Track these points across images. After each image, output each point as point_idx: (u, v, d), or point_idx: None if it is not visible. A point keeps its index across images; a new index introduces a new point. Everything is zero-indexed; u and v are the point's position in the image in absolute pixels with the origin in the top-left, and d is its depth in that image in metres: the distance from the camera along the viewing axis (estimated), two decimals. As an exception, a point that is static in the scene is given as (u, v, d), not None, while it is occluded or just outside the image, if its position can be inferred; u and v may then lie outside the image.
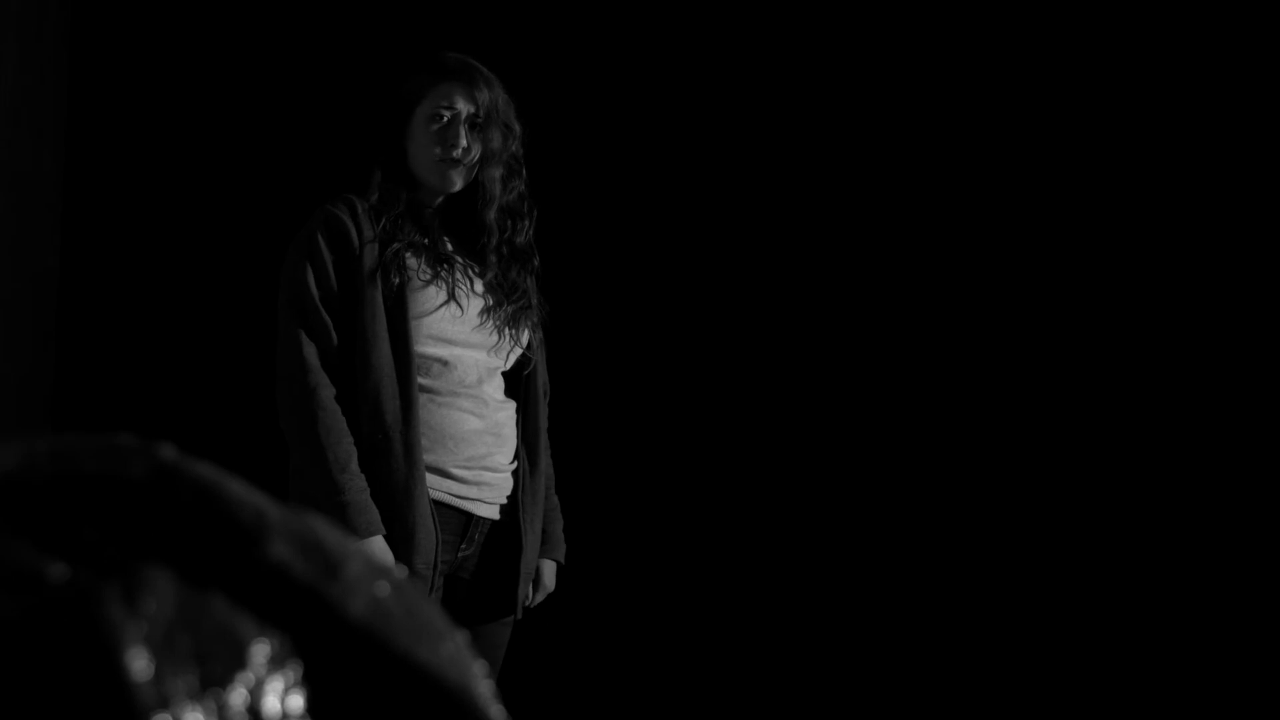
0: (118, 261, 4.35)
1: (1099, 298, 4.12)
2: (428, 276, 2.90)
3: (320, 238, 2.86)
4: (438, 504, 2.86)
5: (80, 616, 0.44)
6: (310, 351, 2.81)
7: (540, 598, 3.11)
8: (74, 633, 0.44)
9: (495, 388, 2.98)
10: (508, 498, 2.98)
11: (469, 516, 2.92)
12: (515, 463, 3.00)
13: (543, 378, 3.09)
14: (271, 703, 0.47)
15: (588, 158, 4.26)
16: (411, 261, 2.89)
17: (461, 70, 2.94)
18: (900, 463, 4.18)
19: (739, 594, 4.21)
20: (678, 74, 4.29)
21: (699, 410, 4.25)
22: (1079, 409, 4.11)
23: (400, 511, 2.81)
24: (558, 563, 3.14)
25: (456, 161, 2.92)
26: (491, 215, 2.96)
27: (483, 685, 0.52)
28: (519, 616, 3.03)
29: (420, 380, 2.87)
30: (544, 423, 3.08)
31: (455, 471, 2.89)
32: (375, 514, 2.77)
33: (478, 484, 2.92)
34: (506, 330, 2.96)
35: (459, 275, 2.93)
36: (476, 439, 2.91)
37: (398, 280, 2.86)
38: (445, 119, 2.92)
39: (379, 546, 2.75)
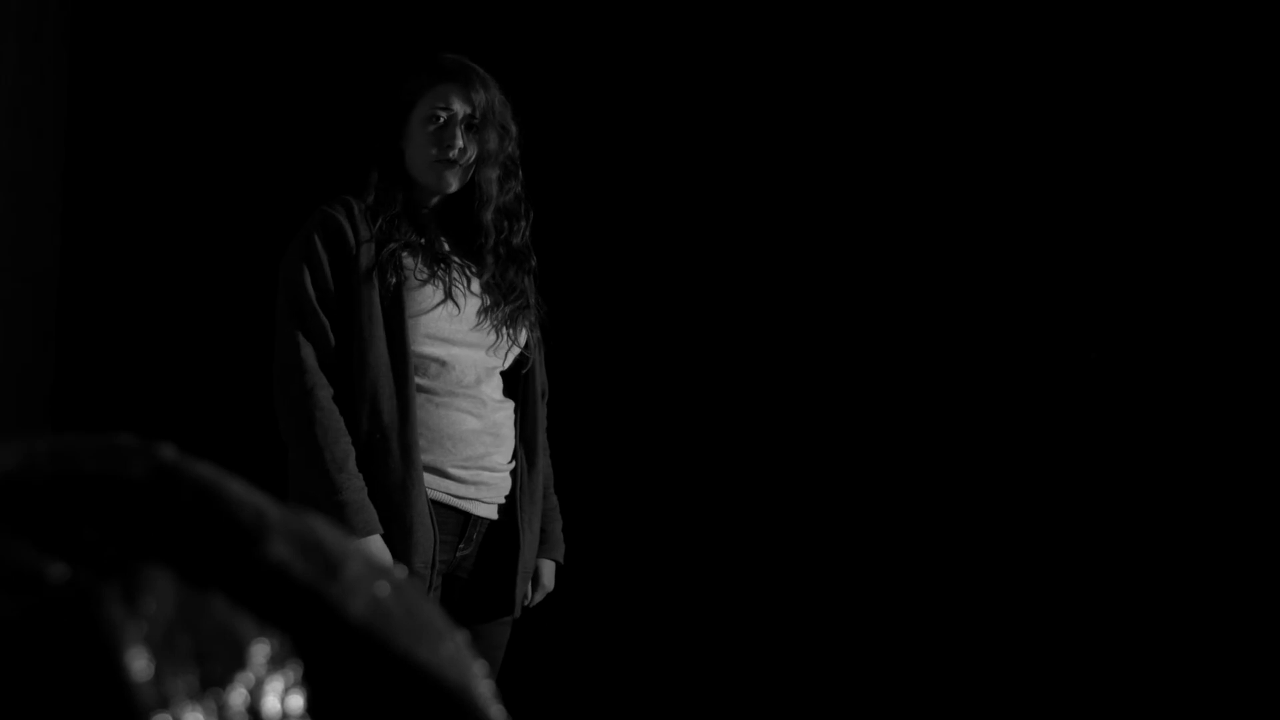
0: (117, 261, 4.35)
1: (1099, 298, 4.12)
2: (424, 276, 2.91)
3: (317, 239, 2.87)
4: (436, 504, 2.87)
5: (80, 616, 0.44)
6: (308, 352, 2.82)
7: (539, 597, 3.11)
8: (74, 633, 0.44)
9: (494, 388, 2.98)
10: (506, 497, 2.99)
11: (467, 516, 2.93)
12: (513, 462, 3.00)
13: (541, 377, 3.09)
14: (271, 703, 0.47)
15: (585, 158, 4.26)
16: (408, 261, 2.90)
17: (458, 71, 2.95)
18: (900, 462, 4.18)
19: (739, 594, 4.21)
20: (674, 74, 4.29)
21: (698, 410, 4.25)
22: (1079, 409, 4.11)
23: (398, 511, 2.81)
24: (557, 562, 3.15)
25: (453, 162, 2.92)
26: (488, 216, 2.96)
27: (483, 685, 0.52)
28: (517, 615, 3.03)
29: (418, 380, 2.87)
30: (542, 422, 3.08)
31: (453, 471, 2.89)
32: (373, 513, 2.78)
33: (476, 484, 2.93)
34: (504, 330, 2.96)
35: (456, 275, 2.94)
36: (475, 439, 2.92)
37: (394, 280, 2.86)
38: (442, 120, 2.92)
39: (376, 546, 2.76)
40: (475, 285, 2.96)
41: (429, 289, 2.90)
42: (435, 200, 2.98)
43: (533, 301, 3.04)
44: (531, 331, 3.04)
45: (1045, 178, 4.15)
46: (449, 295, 2.90)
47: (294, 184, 3.88)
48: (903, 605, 4.16)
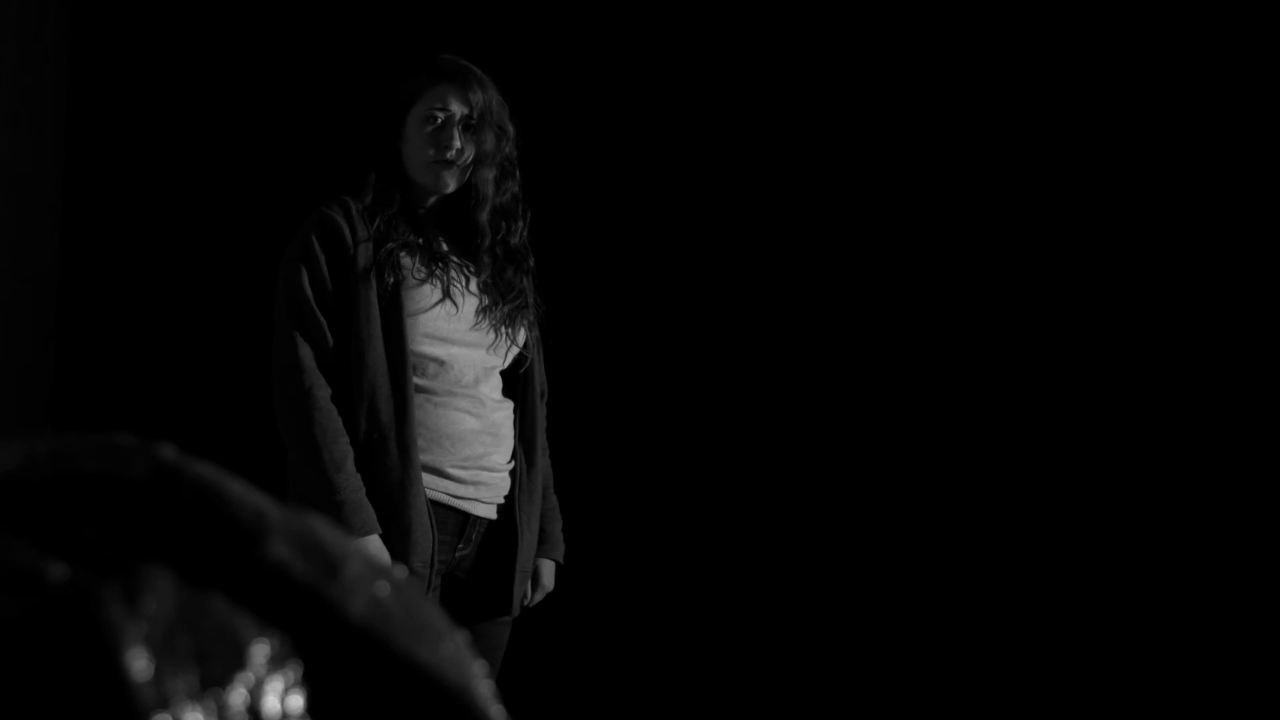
0: (117, 261, 4.35)
1: (1099, 298, 4.12)
2: (422, 275, 2.91)
3: (314, 239, 2.87)
4: (435, 504, 2.87)
5: (80, 616, 0.44)
6: (306, 352, 2.83)
7: (539, 597, 3.11)
8: (74, 633, 0.44)
9: (493, 387, 2.98)
10: (505, 497, 2.99)
11: (466, 516, 2.93)
12: (512, 462, 3.01)
13: (540, 377, 3.10)
14: (271, 703, 0.47)
15: (583, 159, 4.26)
16: (406, 261, 2.90)
17: (456, 72, 2.95)
18: (899, 462, 4.18)
19: (739, 594, 4.21)
20: (672, 75, 4.29)
21: (697, 409, 4.25)
22: (1079, 409, 4.11)
23: (396, 510, 2.81)
24: (556, 562, 3.15)
25: (450, 163, 2.92)
26: (484, 216, 2.96)
27: (483, 685, 0.52)
28: (515, 614, 3.03)
29: (417, 380, 2.87)
30: (541, 422, 3.08)
31: (452, 471, 2.90)
32: (371, 513, 2.78)
33: (475, 484, 2.93)
34: (503, 329, 2.97)
35: (454, 274, 2.94)
36: (473, 439, 2.92)
37: (392, 279, 2.87)
38: (439, 120, 2.92)
39: (375, 546, 2.76)
40: (473, 285, 2.97)
41: (427, 288, 2.90)
42: (433, 200, 2.99)
43: (531, 301, 3.04)
44: (530, 331, 3.04)
45: (1045, 178, 4.15)
46: (447, 294, 2.90)
47: (293, 184, 3.88)
48: (903, 605, 4.16)
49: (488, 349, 2.96)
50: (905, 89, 4.22)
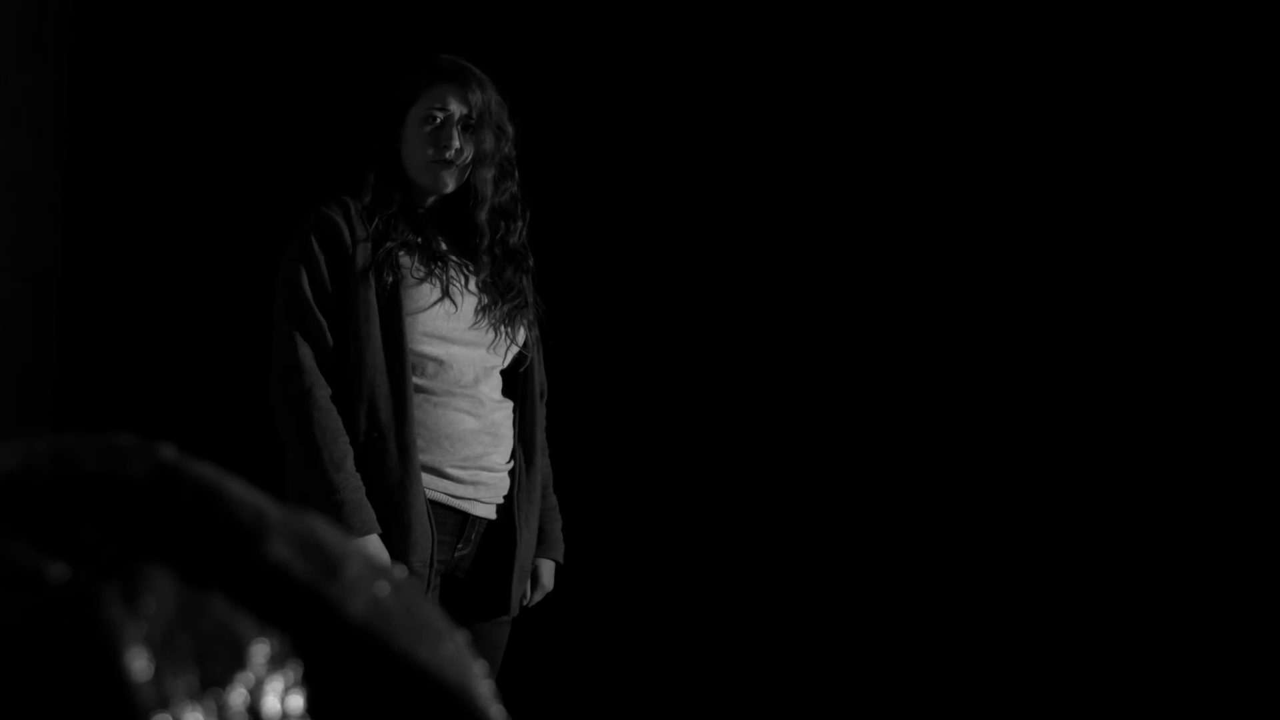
0: (117, 261, 4.35)
1: (1099, 298, 4.12)
2: (421, 274, 2.91)
3: (314, 239, 2.87)
4: (434, 504, 2.87)
5: (80, 616, 0.44)
6: (305, 352, 2.83)
7: (539, 597, 3.11)
8: (74, 633, 0.44)
9: (492, 387, 2.98)
10: (504, 497, 2.99)
11: (465, 516, 2.93)
12: (512, 462, 3.01)
13: (539, 377, 3.10)
14: (271, 703, 0.47)
15: (582, 158, 4.26)
16: (405, 260, 2.90)
17: (455, 72, 2.95)
18: (899, 462, 4.18)
19: (738, 594, 4.21)
20: (671, 74, 4.29)
21: (697, 409, 4.25)
22: (1079, 409, 4.11)
23: (396, 510, 2.81)
24: (556, 562, 3.15)
25: (449, 163, 2.93)
26: (483, 216, 2.97)
27: (483, 685, 0.52)
28: (515, 614, 3.03)
29: (416, 380, 2.87)
30: (540, 422, 3.08)
31: (451, 471, 2.90)
32: (370, 513, 2.78)
33: (474, 484, 2.93)
34: (502, 328, 2.97)
35: (453, 273, 2.94)
36: (473, 439, 2.92)
37: (391, 279, 2.87)
38: (438, 120, 2.93)
39: (374, 545, 2.76)
40: (472, 284, 2.97)
41: (426, 287, 2.91)
42: (432, 200, 2.99)
43: (531, 300, 3.04)
44: (530, 330, 3.05)
45: (1045, 178, 4.15)
46: (446, 293, 2.90)
47: (292, 184, 3.88)
48: (903, 605, 4.16)
49: (487, 348, 2.96)
50: (905, 89, 4.22)
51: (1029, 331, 4.14)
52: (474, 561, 2.97)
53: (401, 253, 2.90)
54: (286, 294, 2.87)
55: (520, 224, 3.03)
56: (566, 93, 4.25)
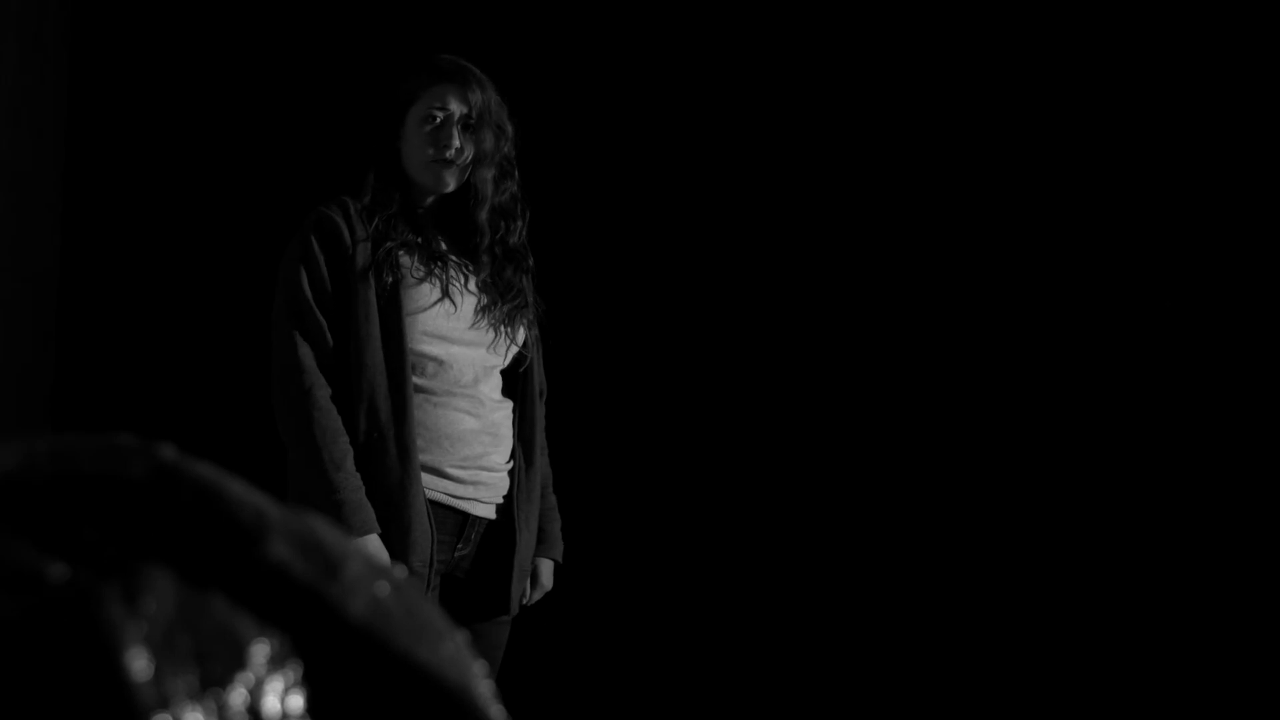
0: (117, 261, 4.35)
1: (1099, 298, 4.12)
2: (421, 274, 2.91)
3: (313, 239, 2.87)
4: (434, 503, 2.87)
5: (80, 616, 0.44)
6: (305, 352, 2.83)
7: (538, 596, 3.11)
8: (74, 633, 0.44)
9: (492, 387, 2.98)
10: (504, 497, 2.99)
11: (465, 516, 2.93)
12: (511, 462, 3.01)
13: (539, 376, 3.10)
14: (271, 703, 0.47)
15: (582, 158, 4.26)
16: (405, 260, 2.91)
17: (455, 72, 2.95)
18: (899, 462, 4.18)
19: (738, 593, 4.21)
20: (670, 74, 4.29)
21: (696, 409, 4.25)
22: (1079, 409, 4.11)
23: (396, 510, 2.81)
24: (555, 562, 3.15)
25: (449, 162, 2.93)
26: (483, 215, 2.97)
27: (483, 685, 0.52)
28: (514, 614, 3.03)
29: (416, 380, 2.87)
30: (540, 422, 3.08)
31: (451, 471, 2.90)
32: (370, 513, 2.78)
33: (474, 484, 2.93)
34: (502, 328, 2.97)
35: (453, 273, 2.94)
36: (473, 438, 2.92)
37: (391, 279, 2.87)
38: (438, 120, 2.93)
39: (374, 545, 2.76)
40: (472, 284, 2.97)
41: (425, 287, 2.91)
42: (431, 200, 2.99)
43: (530, 300, 3.04)
44: (530, 330, 3.05)
45: (1045, 178, 4.15)
46: (446, 293, 2.91)
47: (292, 184, 3.88)
48: (903, 605, 4.16)
49: (487, 348, 2.96)
50: (905, 89, 4.22)
51: (1029, 331, 4.14)
52: (474, 561, 2.97)
53: (401, 253, 2.91)
54: (286, 294, 2.87)
55: (520, 224, 3.03)
56: (566, 93, 4.25)
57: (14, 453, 0.50)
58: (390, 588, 0.51)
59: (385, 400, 2.84)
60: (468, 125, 2.94)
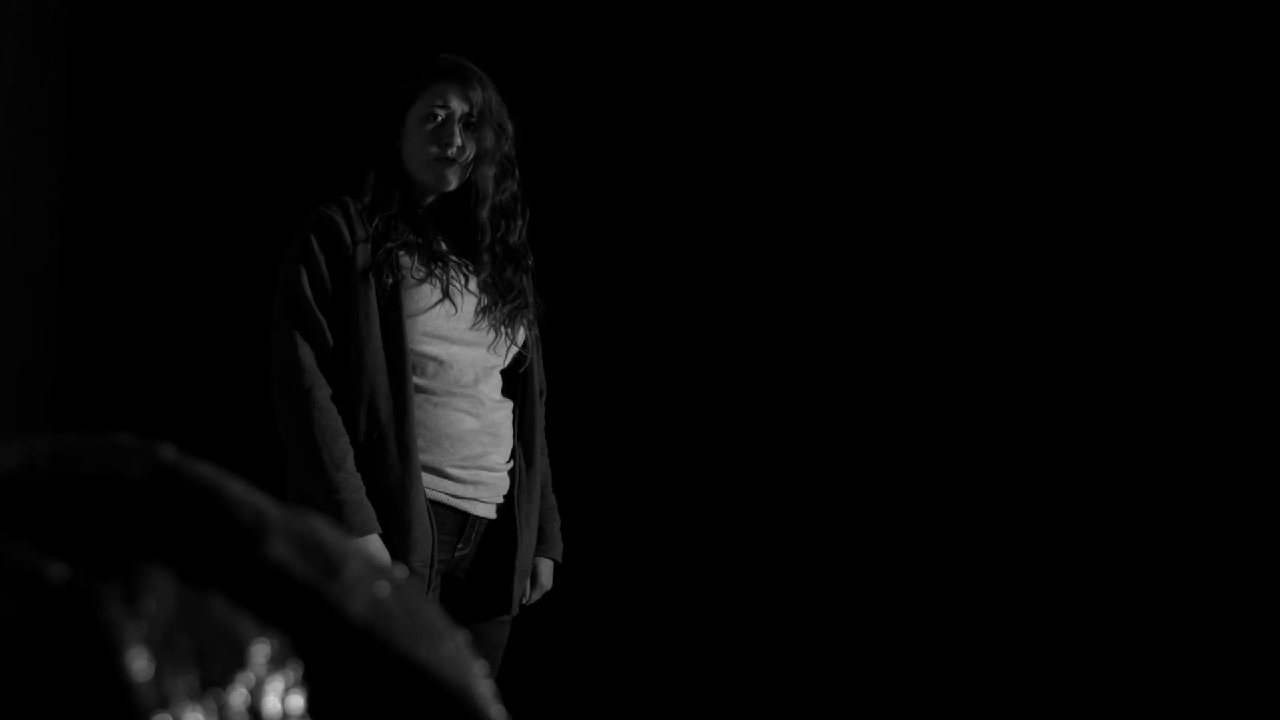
0: (117, 261, 4.35)
1: (1099, 298, 4.12)
2: (421, 275, 2.91)
3: (313, 239, 2.87)
4: (434, 503, 2.87)
5: (80, 616, 0.44)
6: (305, 352, 2.83)
7: (537, 596, 3.11)
8: (74, 633, 0.44)
9: (492, 387, 2.98)
10: (504, 497, 2.99)
11: (466, 516, 2.93)
12: (511, 462, 3.01)
13: (539, 376, 3.10)
14: (271, 703, 0.47)
15: (582, 157, 4.26)
16: (405, 260, 2.91)
17: (455, 71, 2.95)
18: (899, 462, 4.18)
19: (738, 593, 4.21)
20: (671, 73, 4.29)
21: (696, 409, 4.25)
22: (1079, 409, 4.11)
23: (396, 510, 2.81)
24: (555, 562, 3.15)
25: (451, 160, 2.93)
26: (484, 214, 2.97)
27: (483, 685, 0.52)
28: (515, 614, 3.03)
29: (416, 380, 2.87)
30: (540, 422, 3.08)
31: (451, 471, 2.90)
32: (370, 513, 2.78)
33: (474, 483, 2.93)
34: (502, 328, 2.97)
35: (453, 273, 2.94)
36: (473, 438, 2.92)
37: (391, 279, 2.87)
38: (439, 119, 2.93)
39: (375, 545, 2.76)
40: (473, 284, 2.97)
41: (426, 288, 2.91)
42: (432, 199, 2.99)
43: (531, 300, 3.04)
44: (530, 330, 3.05)
45: (1045, 178, 4.15)
46: (446, 294, 2.91)
47: (292, 184, 3.88)
48: (903, 605, 4.16)
49: (487, 348, 2.96)
50: (905, 89, 4.22)
51: (1029, 331, 4.14)
52: (474, 561, 2.97)
53: (401, 253, 2.91)
54: (286, 294, 2.87)
55: (520, 223, 3.03)
56: (566, 92, 4.25)
57: (14, 453, 0.50)
58: (390, 588, 0.51)
59: (386, 400, 2.84)
60: (469, 123, 2.94)
